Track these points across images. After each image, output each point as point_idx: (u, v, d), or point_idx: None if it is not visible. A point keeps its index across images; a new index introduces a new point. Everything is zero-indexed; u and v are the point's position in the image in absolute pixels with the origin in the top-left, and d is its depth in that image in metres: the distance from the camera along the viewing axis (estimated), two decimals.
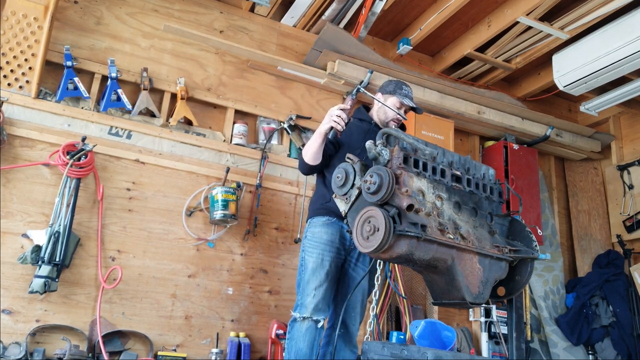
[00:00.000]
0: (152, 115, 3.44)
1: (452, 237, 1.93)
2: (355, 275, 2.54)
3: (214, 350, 3.15)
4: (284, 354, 3.18)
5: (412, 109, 2.63)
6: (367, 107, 2.84)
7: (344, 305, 2.35)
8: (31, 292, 2.76)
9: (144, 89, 3.39)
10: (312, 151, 2.48)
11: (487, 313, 4.10)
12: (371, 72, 3.80)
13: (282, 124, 3.81)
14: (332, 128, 2.40)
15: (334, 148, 2.54)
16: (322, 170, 2.60)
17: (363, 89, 2.55)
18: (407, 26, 4.22)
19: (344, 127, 2.40)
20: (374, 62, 3.86)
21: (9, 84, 3.04)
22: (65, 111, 3.16)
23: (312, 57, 3.84)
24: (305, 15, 3.90)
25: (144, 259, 3.19)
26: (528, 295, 4.23)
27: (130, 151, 3.29)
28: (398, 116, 2.62)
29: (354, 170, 2.08)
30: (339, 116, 2.39)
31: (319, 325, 2.38)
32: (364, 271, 2.56)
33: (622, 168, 4.72)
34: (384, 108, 2.64)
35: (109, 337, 2.96)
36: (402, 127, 2.75)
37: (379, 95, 2.73)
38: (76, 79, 3.19)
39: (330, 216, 2.48)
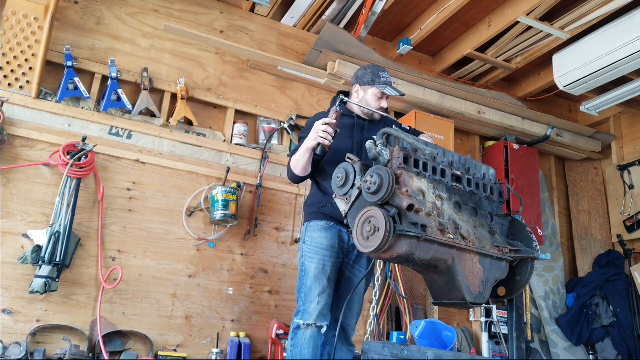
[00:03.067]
0: (153, 115, 3.44)
1: (452, 237, 1.93)
2: (352, 277, 2.53)
3: (215, 350, 3.15)
4: (284, 354, 3.18)
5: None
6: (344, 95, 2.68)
7: (343, 307, 2.35)
8: (32, 292, 2.77)
9: (144, 89, 3.39)
10: (301, 165, 2.44)
11: (488, 313, 4.10)
12: None
13: (282, 124, 3.81)
14: (319, 144, 2.35)
15: (322, 155, 2.49)
16: (313, 175, 2.57)
17: (346, 99, 2.50)
18: (408, 26, 4.22)
19: (332, 142, 2.35)
20: (374, 62, 3.86)
21: (9, 84, 3.04)
22: (66, 111, 3.16)
23: (313, 57, 3.84)
24: (305, 15, 3.90)
25: (144, 259, 3.19)
26: (528, 295, 4.22)
27: (131, 151, 3.29)
28: (381, 107, 2.56)
29: (354, 170, 2.08)
30: (325, 131, 2.32)
31: (322, 330, 2.37)
32: (360, 272, 2.54)
33: (623, 168, 4.71)
34: (365, 102, 2.57)
35: (109, 337, 2.96)
36: (386, 111, 2.67)
37: (356, 88, 2.63)
38: (76, 79, 3.19)
39: (329, 220, 2.46)
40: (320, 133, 2.32)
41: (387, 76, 2.59)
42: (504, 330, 4.04)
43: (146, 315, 3.12)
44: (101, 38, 3.42)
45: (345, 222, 2.16)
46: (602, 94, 4.34)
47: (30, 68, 3.07)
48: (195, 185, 3.43)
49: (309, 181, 2.63)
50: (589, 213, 4.84)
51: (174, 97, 3.54)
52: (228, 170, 3.49)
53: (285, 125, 3.79)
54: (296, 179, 2.54)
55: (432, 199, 1.99)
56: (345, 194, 2.09)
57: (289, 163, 2.54)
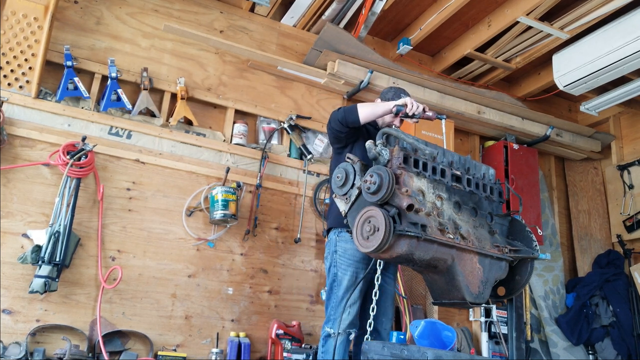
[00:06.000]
0: (152, 115, 3.44)
1: (452, 237, 1.93)
2: (384, 284, 2.57)
3: (214, 350, 3.15)
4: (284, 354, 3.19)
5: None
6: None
7: (377, 314, 2.38)
8: (31, 292, 2.76)
9: (144, 89, 3.39)
10: (371, 112, 2.48)
11: (487, 313, 4.10)
12: (371, 72, 3.80)
13: (282, 123, 3.81)
14: (404, 105, 2.44)
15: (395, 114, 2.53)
16: None
17: (444, 121, 2.65)
18: (407, 26, 4.22)
19: (411, 114, 2.44)
20: (374, 62, 3.86)
21: (9, 84, 3.04)
22: (66, 111, 3.16)
23: (312, 57, 3.84)
24: (305, 15, 3.90)
25: (144, 259, 3.19)
26: (528, 295, 4.22)
27: (130, 151, 3.29)
28: (394, 124, 2.66)
29: (354, 170, 2.08)
30: (418, 106, 2.43)
31: (351, 337, 2.49)
32: (390, 279, 2.64)
33: (622, 168, 4.71)
34: (382, 118, 2.67)
35: (109, 337, 2.96)
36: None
37: (377, 101, 2.75)
38: (76, 79, 3.19)
39: None
40: (414, 101, 2.44)
41: None
42: (504, 330, 4.05)
43: (146, 315, 3.12)
44: (101, 38, 3.41)
45: (345, 222, 2.16)
46: (601, 93, 4.34)
47: (30, 68, 3.07)
48: (195, 185, 3.43)
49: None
50: (588, 213, 4.84)
51: (173, 96, 3.53)
52: (228, 170, 3.49)
53: (285, 125, 3.79)
54: (348, 121, 2.50)
55: (432, 198, 1.99)
56: (345, 193, 2.10)
57: (349, 107, 2.52)
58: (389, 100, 2.70)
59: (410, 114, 2.45)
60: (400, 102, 2.47)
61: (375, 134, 2.65)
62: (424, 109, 2.47)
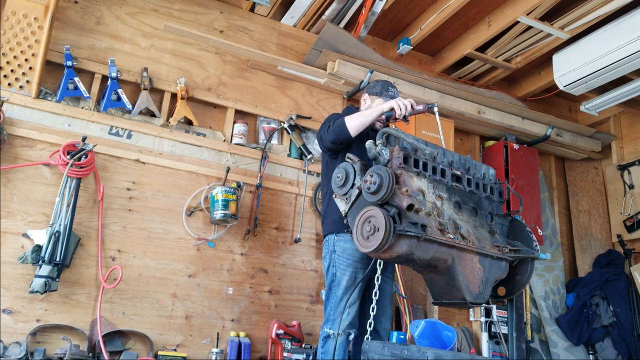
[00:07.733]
0: (153, 115, 3.44)
1: (452, 236, 1.94)
2: (382, 283, 2.56)
3: (214, 350, 3.16)
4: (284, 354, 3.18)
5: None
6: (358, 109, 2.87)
7: (376, 314, 2.38)
8: (32, 292, 2.76)
9: (144, 89, 3.39)
10: (360, 123, 2.46)
11: (488, 313, 4.10)
12: (371, 72, 3.80)
13: (282, 123, 3.81)
14: (392, 110, 2.41)
15: (386, 120, 2.51)
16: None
17: (436, 108, 2.59)
18: (408, 26, 4.22)
19: (402, 116, 2.42)
20: (374, 62, 3.86)
21: (9, 84, 3.04)
22: (66, 111, 3.16)
23: (312, 57, 3.84)
24: (305, 15, 3.90)
25: (144, 259, 3.19)
26: (528, 295, 4.22)
27: (131, 151, 3.29)
28: (382, 117, 2.64)
29: (354, 170, 2.08)
30: (406, 105, 2.40)
31: (350, 337, 2.48)
32: (388, 278, 2.64)
33: (623, 168, 4.71)
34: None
35: (109, 337, 2.96)
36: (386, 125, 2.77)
37: (365, 97, 2.76)
38: (76, 79, 3.19)
39: None
40: (400, 102, 2.40)
41: (394, 92, 2.72)
42: (504, 330, 4.04)
43: (146, 315, 3.12)
44: (101, 38, 3.41)
45: (345, 222, 2.17)
46: (602, 93, 4.34)
47: (30, 68, 3.07)
48: (195, 185, 3.43)
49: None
50: (588, 213, 4.83)
51: (173, 96, 3.53)
52: (228, 170, 3.49)
53: (285, 125, 3.79)
54: (340, 139, 2.50)
55: (432, 198, 1.99)
56: (345, 193, 2.10)
57: (337, 125, 2.50)
58: (376, 94, 2.70)
59: (400, 117, 2.43)
60: (386, 107, 2.44)
61: (364, 133, 2.66)
62: (412, 105, 2.44)
